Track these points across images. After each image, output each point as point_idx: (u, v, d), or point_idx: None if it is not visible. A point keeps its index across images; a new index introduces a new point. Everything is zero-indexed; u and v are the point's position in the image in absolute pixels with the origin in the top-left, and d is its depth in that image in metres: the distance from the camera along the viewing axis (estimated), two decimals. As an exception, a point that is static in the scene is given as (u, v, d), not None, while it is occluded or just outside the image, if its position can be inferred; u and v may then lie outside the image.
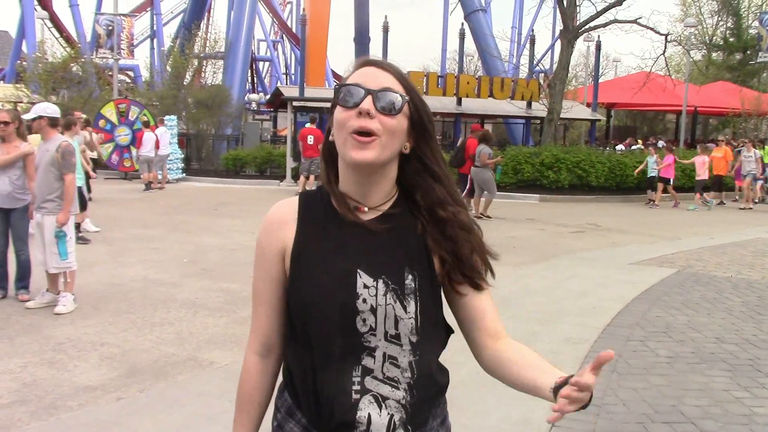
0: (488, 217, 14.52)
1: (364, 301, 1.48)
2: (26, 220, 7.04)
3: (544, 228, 13.77)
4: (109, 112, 21.33)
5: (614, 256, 10.74)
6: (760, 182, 18.76)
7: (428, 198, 1.55)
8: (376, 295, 1.48)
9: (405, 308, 1.49)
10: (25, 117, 7.19)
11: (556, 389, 1.30)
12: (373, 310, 1.48)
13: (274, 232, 1.60)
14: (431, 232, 1.54)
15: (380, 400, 1.48)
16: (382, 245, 1.52)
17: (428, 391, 1.54)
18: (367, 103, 1.44)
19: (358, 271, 1.50)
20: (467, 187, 14.92)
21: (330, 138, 1.54)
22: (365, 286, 1.49)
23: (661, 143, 25.16)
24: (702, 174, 17.89)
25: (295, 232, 1.57)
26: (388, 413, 1.48)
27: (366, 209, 1.54)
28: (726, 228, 14.30)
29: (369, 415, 1.48)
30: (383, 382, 1.49)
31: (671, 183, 17.95)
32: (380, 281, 1.49)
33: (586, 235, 13.00)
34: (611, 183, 19.16)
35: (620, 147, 24.10)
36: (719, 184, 18.97)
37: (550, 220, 14.88)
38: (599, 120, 28.15)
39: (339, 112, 1.48)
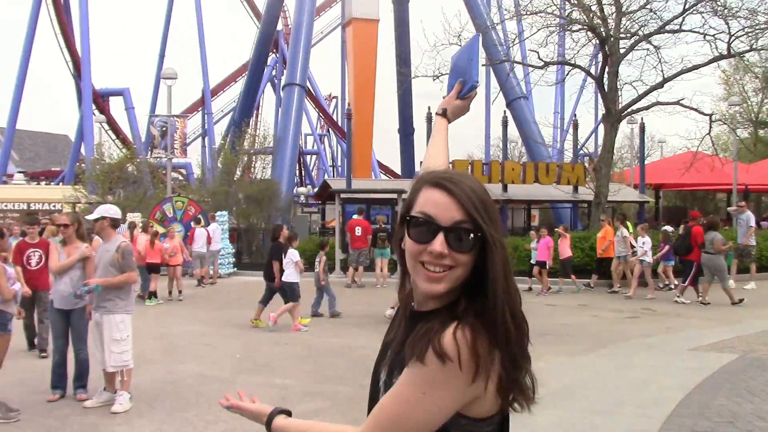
0: (740, 301, 14.38)
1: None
2: (85, 320, 7.21)
3: (597, 314, 13.52)
4: (154, 228, 21.72)
5: (672, 341, 10.46)
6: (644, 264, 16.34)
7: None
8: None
9: (369, 409, 1.57)
10: (88, 217, 7.45)
11: None
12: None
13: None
14: None
15: None
16: (399, 341, 1.56)
17: None
18: (440, 245, 1.47)
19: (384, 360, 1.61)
20: (692, 274, 15.04)
21: (402, 246, 1.59)
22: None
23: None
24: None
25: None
26: None
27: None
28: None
29: None
30: None
31: (546, 267, 16.92)
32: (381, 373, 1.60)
33: (642, 320, 12.72)
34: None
35: (669, 228, 23.75)
36: (599, 266, 17.74)
37: (603, 306, 14.62)
38: (647, 201, 27.90)
39: (410, 243, 1.52)
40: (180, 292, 16.04)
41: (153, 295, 15.26)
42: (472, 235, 1.48)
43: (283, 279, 11.64)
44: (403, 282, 1.67)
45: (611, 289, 16.93)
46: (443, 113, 2.18)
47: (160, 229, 19.30)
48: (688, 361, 8.85)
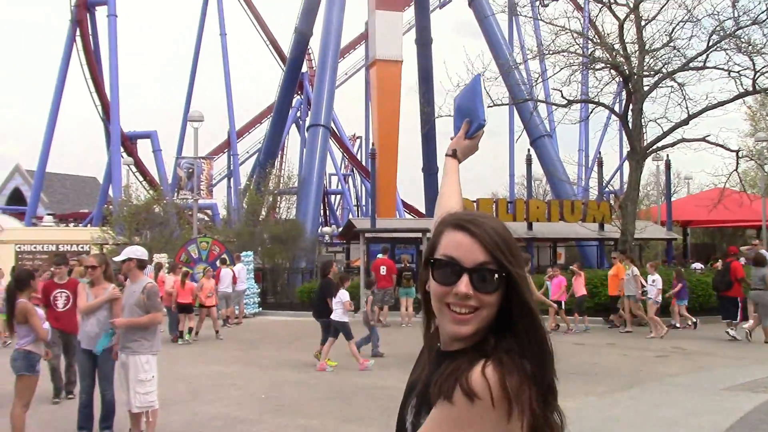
0: None
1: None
2: (112, 361, 7.23)
3: (626, 353, 13.32)
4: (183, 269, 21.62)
5: (703, 381, 10.26)
6: (650, 302, 15.98)
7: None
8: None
9: None
10: (116, 259, 7.53)
11: None
12: None
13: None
14: None
15: None
16: (425, 381, 1.54)
17: None
18: (465, 286, 1.48)
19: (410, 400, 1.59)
20: (741, 308, 15.01)
21: (426, 288, 1.59)
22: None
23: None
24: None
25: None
26: None
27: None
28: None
29: None
30: None
31: (562, 307, 16.76)
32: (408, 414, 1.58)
33: (672, 360, 12.50)
34: (693, 303, 18.52)
35: (698, 266, 23.43)
36: (613, 305, 17.43)
37: (631, 345, 14.40)
38: (675, 239, 27.60)
39: (435, 285, 1.53)
40: (217, 332, 16.15)
41: (189, 331, 15.44)
42: (496, 275, 1.49)
43: (333, 318, 11.64)
44: (428, 324, 1.67)
45: (625, 329, 16.70)
46: (453, 154, 2.18)
47: (190, 270, 19.38)
48: (722, 401, 8.66)
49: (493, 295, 1.49)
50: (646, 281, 16.27)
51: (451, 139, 2.24)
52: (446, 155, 2.21)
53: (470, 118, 2.18)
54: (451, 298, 1.50)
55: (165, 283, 16.02)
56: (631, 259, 17.74)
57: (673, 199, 29.06)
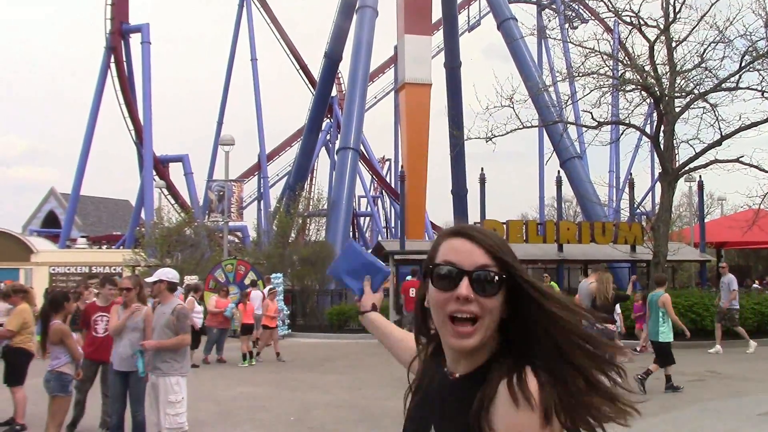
0: None
1: None
2: (143, 383, 7.29)
3: (659, 376, 13.08)
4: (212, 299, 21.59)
5: (740, 406, 10.04)
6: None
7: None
8: None
9: None
10: (147, 280, 7.61)
11: None
12: None
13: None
14: None
15: None
16: (451, 411, 1.48)
17: None
18: (465, 289, 1.44)
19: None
20: None
21: (425, 305, 1.56)
22: None
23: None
24: None
25: (418, 370, 1.71)
26: None
27: (456, 375, 1.53)
28: None
29: None
30: None
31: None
32: None
33: (707, 384, 12.27)
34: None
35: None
36: None
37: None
38: (709, 261, 27.19)
39: (435, 293, 1.49)
40: (258, 354, 16.34)
41: (250, 355, 15.64)
42: (496, 277, 1.45)
43: None
44: (423, 347, 1.69)
45: None
46: (373, 308, 2.35)
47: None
48: (758, 427, 8.48)
49: (493, 299, 1.44)
50: None
51: (359, 301, 2.39)
52: (365, 312, 2.35)
53: (369, 275, 2.34)
54: (452, 306, 1.45)
55: (209, 303, 16.74)
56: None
57: (706, 220, 28.68)
